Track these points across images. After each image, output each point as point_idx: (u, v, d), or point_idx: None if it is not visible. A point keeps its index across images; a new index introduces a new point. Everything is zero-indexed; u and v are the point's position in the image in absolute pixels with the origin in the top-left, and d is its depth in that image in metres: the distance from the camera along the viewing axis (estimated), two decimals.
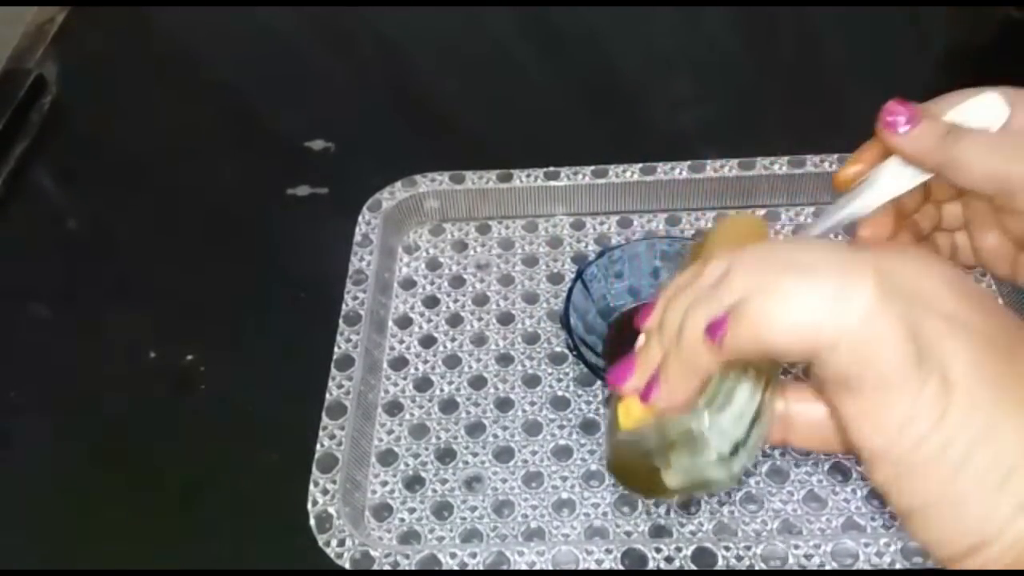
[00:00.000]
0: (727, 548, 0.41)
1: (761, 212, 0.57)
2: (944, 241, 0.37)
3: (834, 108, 0.63)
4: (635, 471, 0.31)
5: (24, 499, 0.47)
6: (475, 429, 0.48)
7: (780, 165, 0.56)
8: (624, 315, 0.51)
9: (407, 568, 0.41)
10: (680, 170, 0.57)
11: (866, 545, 0.41)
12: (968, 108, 0.32)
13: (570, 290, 0.50)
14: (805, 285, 0.24)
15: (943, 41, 0.72)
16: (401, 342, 0.52)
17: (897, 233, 0.35)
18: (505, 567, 0.41)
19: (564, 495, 0.45)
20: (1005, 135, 0.32)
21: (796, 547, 0.41)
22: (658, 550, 0.42)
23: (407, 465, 0.47)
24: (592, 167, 0.57)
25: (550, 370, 0.50)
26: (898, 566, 0.41)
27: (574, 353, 0.48)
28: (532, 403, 0.49)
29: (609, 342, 0.50)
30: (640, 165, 0.57)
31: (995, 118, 0.32)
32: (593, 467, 0.46)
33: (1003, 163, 0.31)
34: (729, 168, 0.57)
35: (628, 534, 0.44)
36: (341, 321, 0.51)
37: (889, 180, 0.34)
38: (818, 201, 0.57)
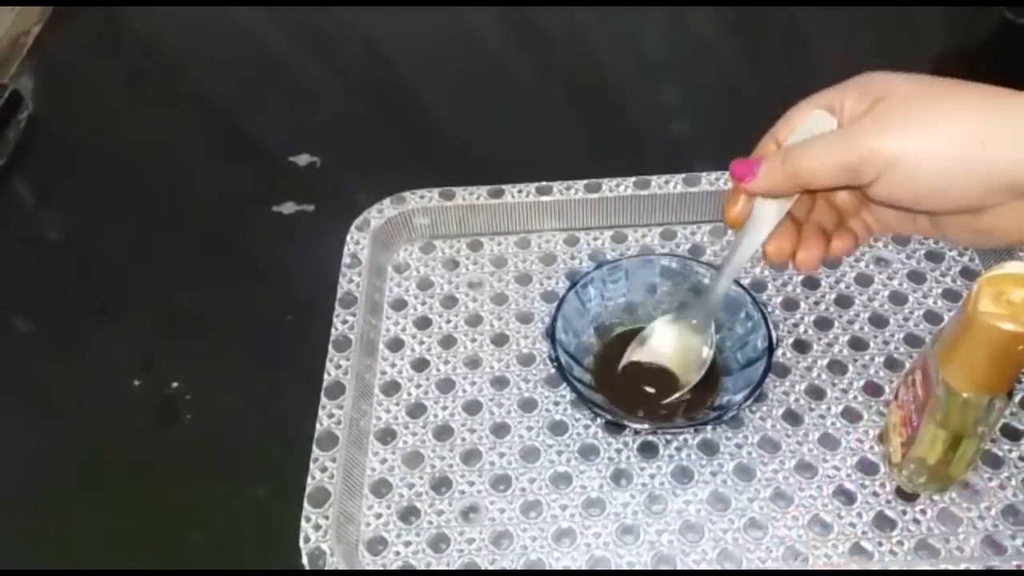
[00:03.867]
0: None
1: None
2: (857, 225, 0.40)
3: None
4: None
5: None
6: (471, 456, 0.47)
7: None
8: (617, 337, 0.50)
9: None
10: (675, 183, 0.56)
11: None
12: (803, 130, 0.37)
13: (561, 299, 0.49)
14: None
15: (937, 43, 0.71)
16: (393, 366, 0.51)
17: (802, 241, 0.39)
18: None
19: (564, 524, 0.44)
20: (829, 134, 0.36)
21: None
22: None
23: (401, 496, 0.45)
24: (585, 181, 0.56)
25: (546, 393, 0.49)
26: None
27: (554, 364, 0.47)
28: (529, 428, 0.48)
29: (600, 359, 0.49)
30: (634, 179, 0.56)
31: (828, 129, 0.36)
32: (593, 495, 0.45)
33: (841, 156, 0.34)
34: (725, 181, 0.55)
35: (631, 564, 0.42)
36: (331, 346, 0.49)
37: (767, 208, 0.38)
38: None
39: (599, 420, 0.47)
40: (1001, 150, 0.32)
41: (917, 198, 0.34)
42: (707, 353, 0.46)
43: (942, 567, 0.41)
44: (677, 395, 0.46)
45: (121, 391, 0.51)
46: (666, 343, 0.48)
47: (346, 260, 0.54)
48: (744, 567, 0.42)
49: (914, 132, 0.33)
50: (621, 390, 0.47)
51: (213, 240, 0.59)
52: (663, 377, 0.47)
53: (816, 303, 0.52)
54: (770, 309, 0.52)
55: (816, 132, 0.36)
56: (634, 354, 0.48)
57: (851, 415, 0.47)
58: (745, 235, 0.39)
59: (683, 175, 0.56)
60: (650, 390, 0.47)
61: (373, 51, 0.73)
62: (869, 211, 0.40)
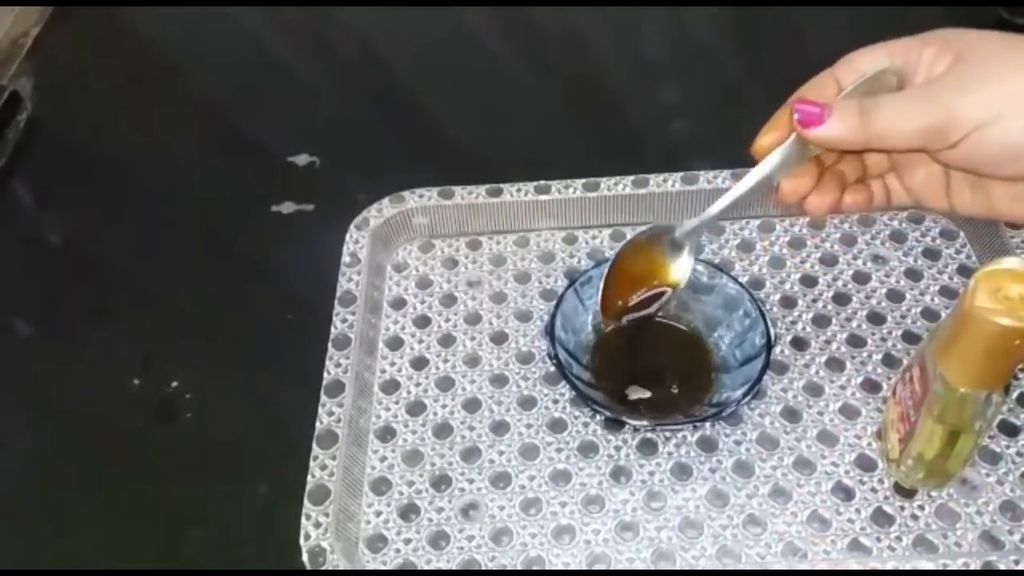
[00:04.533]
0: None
1: (756, 223, 0.56)
2: (877, 186, 0.38)
3: None
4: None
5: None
6: (470, 454, 0.47)
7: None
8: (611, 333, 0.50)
9: None
10: (673, 182, 0.56)
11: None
12: (871, 84, 0.35)
13: (560, 297, 0.49)
14: None
15: None
16: (392, 364, 0.51)
17: (819, 185, 0.37)
18: None
19: (564, 521, 0.44)
20: (912, 91, 0.34)
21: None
22: None
23: (401, 494, 0.46)
24: (583, 180, 0.56)
25: (545, 391, 0.49)
26: None
27: (554, 362, 0.47)
28: (528, 425, 0.48)
29: (598, 354, 0.50)
30: (632, 177, 0.56)
31: (892, 86, 0.34)
32: (592, 492, 0.45)
33: (926, 118, 0.32)
34: (723, 179, 0.56)
35: (630, 561, 0.43)
36: (330, 345, 0.50)
37: (800, 148, 0.35)
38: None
39: (598, 417, 0.47)
40: None
41: (1002, 161, 0.32)
42: (690, 264, 0.44)
43: (940, 563, 0.41)
44: (664, 298, 0.45)
45: (121, 391, 0.51)
46: (646, 256, 0.45)
47: (345, 259, 0.54)
48: (743, 563, 0.42)
49: (1001, 93, 0.31)
50: (614, 377, 0.48)
51: (213, 240, 0.59)
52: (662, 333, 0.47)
53: (814, 300, 0.52)
54: (768, 306, 0.52)
55: (883, 90, 0.34)
56: (626, 286, 0.45)
57: (849, 412, 0.47)
58: (765, 165, 0.37)
59: (681, 174, 0.56)
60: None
61: (372, 51, 0.73)
62: (898, 175, 0.38)
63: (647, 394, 0.46)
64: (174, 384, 0.51)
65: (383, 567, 0.43)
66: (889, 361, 0.49)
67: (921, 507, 0.43)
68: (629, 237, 0.45)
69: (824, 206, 0.37)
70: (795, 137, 0.36)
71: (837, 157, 0.38)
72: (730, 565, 0.42)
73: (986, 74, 0.32)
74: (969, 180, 0.36)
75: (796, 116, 0.34)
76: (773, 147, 0.36)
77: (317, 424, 0.46)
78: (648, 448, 0.46)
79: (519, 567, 0.43)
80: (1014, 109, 0.31)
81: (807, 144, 0.36)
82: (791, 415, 0.47)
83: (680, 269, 0.44)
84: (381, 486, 0.46)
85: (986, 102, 0.32)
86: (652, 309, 0.45)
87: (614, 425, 0.47)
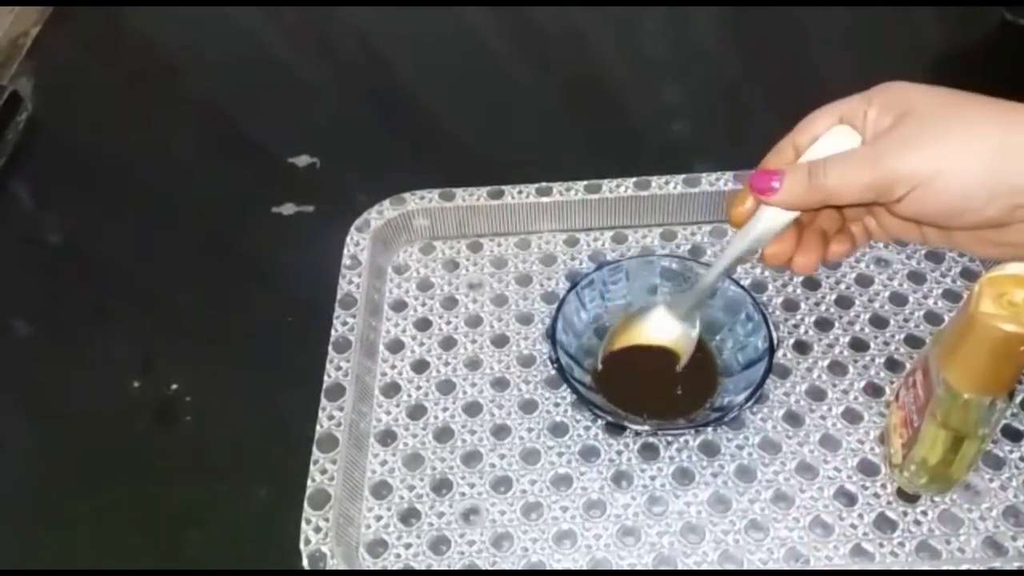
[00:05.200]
0: None
1: None
2: (857, 229, 0.40)
3: None
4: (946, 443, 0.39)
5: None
6: (471, 458, 0.47)
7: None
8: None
9: None
10: (675, 184, 0.56)
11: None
12: (824, 144, 0.36)
13: (562, 300, 0.49)
14: None
15: (937, 43, 0.71)
16: (393, 367, 0.51)
17: (801, 245, 0.39)
18: None
19: (565, 526, 0.44)
20: (857, 150, 0.36)
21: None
22: None
23: (402, 498, 0.45)
24: (585, 182, 0.56)
25: (547, 394, 0.49)
26: None
27: (555, 365, 0.47)
28: (529, 429, 0.48)
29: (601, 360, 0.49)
30: (634, 179, 0.56)
31: (850, 145, 0.36)
32: (594, 496, 0.45)
33: (870, 177, 0.34)
34: (724, 181, 0.55)
35: (632, 566, 0.42)
36: (331, 347, 0.49)
37: (775, 213, 0.37)
38: None
39: (600, 421, 0.47)
40: None
41: (946, 215, 0.34)
42: (694, 336, 0.47)
43: (943, 568, 0.41)
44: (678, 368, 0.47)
45: (121, 392, 0.51)
46: (654, 327, 0.48)
47: (346, 261, 0.54)
48: (745, 569, 0.42)
49: (942, 148, 0.33)
50: (620, 381, 0.48)
51: (213, 241, 0.59)
52: (655, 357, 0.48)
53: (816, 304, 0.52)
54: (770, 310, 0.51)
55: (839, 148, 0.36)
56: (620, 337, 0.48)
57: (852, 416, 0.47)
58: (746, 234, 0.39)
59: (683, 176, 0.56)
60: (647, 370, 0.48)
61: (373, 52, 0.73)
62: (873, 216, 0.40)
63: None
64: (174, 386, 0.51)
65: (383, 571, 0.43)
66: (892, 365, 0.49)
67: (924, 512, 0.43)
68: (627, 310, 0.49)
69: (811, 264, 0.39)
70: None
71: (814, 214, 0.39)
72: (732, 570, 0.42)
73: (926, 133, 0.33)
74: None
75: (753, 187, 0.37)
76: (748, 215, 0.39)
77: (317, 427, 0.46)
78: (650, 452, 0.46)
79: (520, 570, 0.42)
80: (952, 167, 0.33)
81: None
82: (793, 419, 0.47)
83: (684, 343, 0.47)
84: (381, 490, 0.46)
85: (926, 160, 0.33)
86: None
87: (615, 429, 0.47)
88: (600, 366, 0.48)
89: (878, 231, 0.40)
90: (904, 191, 0.34)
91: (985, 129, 0.33)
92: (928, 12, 0.72)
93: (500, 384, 0.50)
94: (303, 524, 0.42)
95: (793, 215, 0.38)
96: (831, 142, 0.36)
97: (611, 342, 0.48)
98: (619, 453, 0.46)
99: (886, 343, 0.50)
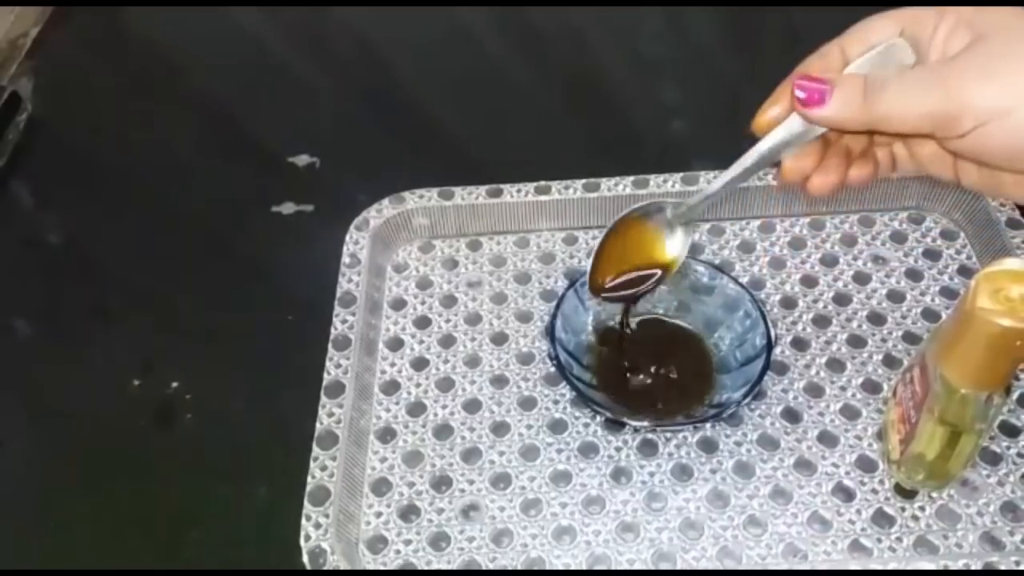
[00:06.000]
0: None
1: (756, 223, 0.56)
2: (883, 154, 0.36)
3: None
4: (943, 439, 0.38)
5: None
6: (471, 455, 0.47)
7: (774, 175, 0.55)
8: (610, 330, 0.50)
9: None
10: (673, 182, 0.56)
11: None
12: (880, 58, 0.32)
13: (561, 298, 0.49)
14: None
15: None
16: (392, 365, 0.51)
17: (823, 163, 0.34)
18: None
19: (564, 522, 0.44)
20: (923, 71, 0.31)
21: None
22: None
23: (401, 495, 0.46)
24: (583, 180, 0.56)
25: (546, 391, 0.49)
26: None
27: (554, 362, 0.47)
28: (528, 426, 0.48)
29: (600, 356, 0.49)
30: (632, 178, 0.56)
31: (906, 60, 0.32)
32: (593, 492, 0.45)
33: (936, 104, 0.30)
34: None
35: (631, 562, 0.43)
36: (330, 346, 0.50)
37: (805, 123, 0.33)
38: (814, 211, 0.56)
39: (599, 418, 0.47)
40: None
41: (1011, 157, 0.31)
42: (689, 242, 0.43)
43: (941, 564, 0.41)
44: (656, 279, 0.44)
45: (121, 391, 0.51)
46: (653, 238, 0.44)
47: (345, 260, 0.54)
48: (744, 564, 0.42)
49: (1021, 85, 0.29)
50: (614, 378, 0.48)
51: (213, 240, 0.59)
52: (659, 358, 0.48)
53: (814, 301, 0.52)
54: (769, 307, 0.52)
55: (895, 65, 0.32)
56: (617, 254, 0.44)
57: (850, 412, 0.47)
58: (767, 141, 0.35)
59: (681, 174, 0.56)
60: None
61: (372, 51, 0.73)
62: (905, 144, 0.36)
63: (648, 380, 0.46)
64: (174, 385, 0.51)
65: (383, 568, 0.43)
66: (890, 362, 0.49)
67: (922, 508, 0.43)
68: (622, 213, 0.44)
69: (827, 186, 0.35)
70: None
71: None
72: (731, 566, 0.42)
73: (1005, 62, 0.29)
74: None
75: (797, 94, 0.32)
76: (776, 123, 0.34)
77: (317, 425, 0.46)
78: (649, 449, 0.46)
79: (520, 568, 0.43)
80: None
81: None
82: (792, 416, 0.47)
83: (675, 249, 0.43)
84: (381, 487, 0.46)
85: (1002, 93, 0.29)
86: (640, 289, 0.44)
87: (614, 426, 0.47)
88: (602, 291, 0.45)
89: (906, 160, 0.36)
90: (972, 126, 0.30)
91: None
92: None
93: (499, 381, 0.50)
94: (303, 521, 0.43)
95: (823, 128, 0.33)
96: (888, 58, 0.32)
97: (604, 257, 0.44)
98: (618, 449, 0.46)
99: (884, 340, 0.50)
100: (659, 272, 0.44)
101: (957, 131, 0.30)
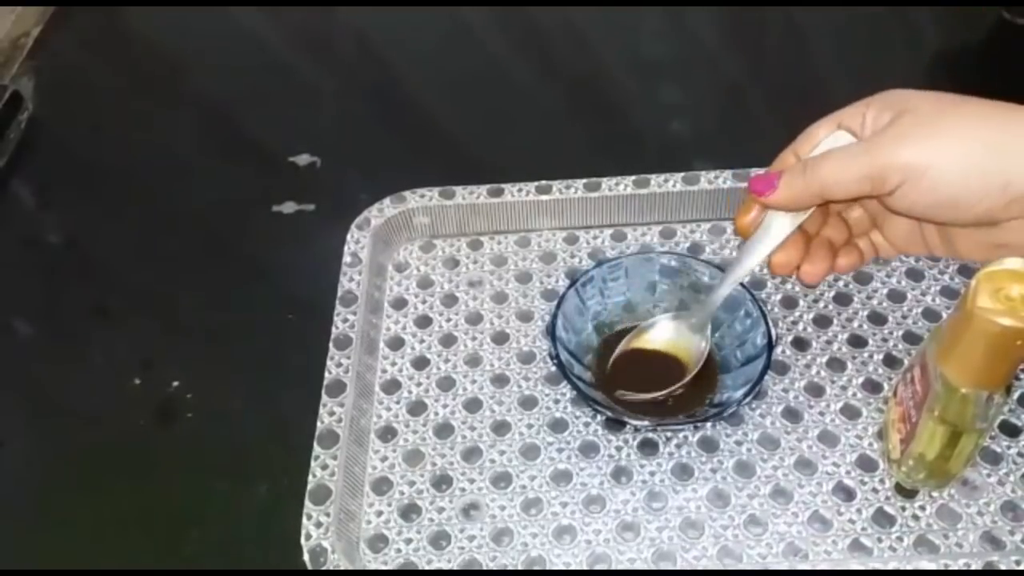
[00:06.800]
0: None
1: None
2: (865, 245, 0.41)
3: (826, 113, 0.62)
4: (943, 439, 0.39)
5: None
6: (471, 454, 0.47)
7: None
8: (617, 335, 0.50)
9: None
10: (674, 182, 0.56)
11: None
12: (823, 150, 0.37)
13: (562, 297, 0.49)
14: None
15: (936, 43, 0.71)
16: (393, 364, 0.51)
17: (809, 254, 0.39)
18: None
19: (564, 521, 0.44)
20: (853, 145, 0.36)
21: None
22: None
23: (402, 493, 0.46)
24: (584, 180, 0.56)
25: (547, 391, 0.49)
26: None
27: (555, 361, 0.47)
28: (529, 425, 0.48)
29: (601, 357, 0.49)
30: (633, 178, 0.56)
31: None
32: (593, 492, 0.45)
33: (864, 167, 0.35)
34: (723, 179, 0.56)
35: (631, 561, 0.43)
36: (331, 344, 0.50)
37: (780, 220, 0.39)
38: None
39: (599, 417, 0.47)
40: (1020, 161, 0.33)
41: (937, 208, 0.35)
42: (704, 347, 0.47)
43: (942, 563, 0.41)
44: (678, 385, 0.46)
45: (121, 390, 0.51)
46: (664, 335, 0.48)
47: (346, 259, 0.54)
48: (744, 564, 0.42)
49: (935, 143, 0.34)
50: (621, 379, 0.48)
51: (213, 240, 0.59)
52: (663, 363, 0.48)
53: (815, 301, 0.52)
54: (769, 307, 0.52)
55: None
56: (632, 343, 0.48)
57: (850, 412, 0.47)
58: (754, 243, 0.40)
59: (682, 174, 0.56)
60: (649, 375, 0.47)
61: (373, 51, 0.73)
62: (880, 231, 0.41)
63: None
64: (175, 384, 0.51)
65: (384, 567, 0.43)
66: (890, 361, 0.49)
67: (922, 507, 0.43)
68: (642, 325, 0.49)
69: (818, 274, 0.39)
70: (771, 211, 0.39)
71: (821, 223, 0.40)
72: (731, 565, 0.42)
73: (920, 128, 0.34)
74: (938, 229, 0.38)
75: (753, 187, 0.38)
76: (753, 225, 0.40)
77: (318, 424, 0.46)
78: (649, 448, 0.46)
79: (520, 567, 0.43)
80: (944, 159, 0.34)
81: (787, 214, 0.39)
82: (792, 415, 0.47)
83: (695, 353, 0.47)
84: (382, 486, 0.46)
85: (919, 152, 0.34)
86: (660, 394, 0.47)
87: (615, 425, 0.47)
88: (609, 368, 0.48)
89: (884, 245, 0.41)
90: (897, 182, 0.34)
91: (979, 124, 0.34)
92: (927, 12, 0.72)
93: (500, 381, 0.50)
94: (304, 519, 0.43)
95: (799, 218, 0.38)
96: (829, 147, 0.37)
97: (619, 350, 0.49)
98: (618, 449, 0.46)
99: (884, 339, 0.50)
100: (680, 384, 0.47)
101: (886, 188, 0.35)
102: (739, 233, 0.40)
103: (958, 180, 0.34)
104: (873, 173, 0.35)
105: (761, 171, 0.39)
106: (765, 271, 0.54)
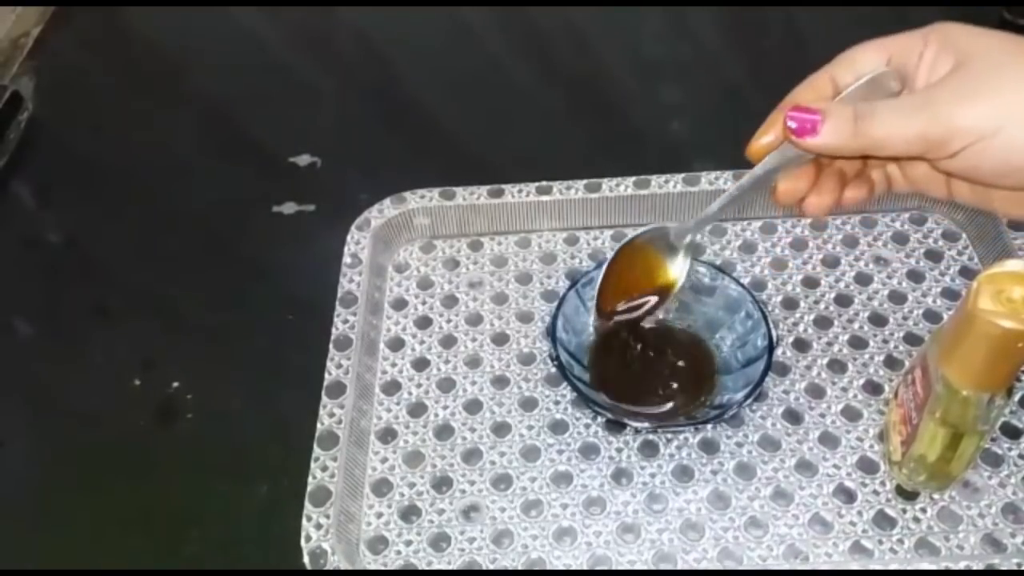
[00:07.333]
0: None
1: (758, 224, 0.56)
2: (878, 174, 0.37)
3: None
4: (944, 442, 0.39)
5: None
6: (471, 456, 0.47)
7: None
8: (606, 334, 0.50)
9: None
10: (674, 183, 0.56)
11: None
12: (869, 87, 0.33)
13: (562, 298, 0.49)
14: None
15: None
16: (393, 365, 0.51)
17: (817, 185, 0.36)
18: None
19: (565, 523, 0.44)
20: (910, 97, 0.33)
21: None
22: None
23: (402, 495, 0.45)
24: (585, 181, 0.56)
25: (547, 392, 0.49)
26: None
27: (555, 363, 0.47)
28: (529, 427, 0.48)
29: (596, 356, 0.49)
30: (633, 178, 0.56)
31: (894, 88, 0.33)
32: (594, 494, 0.45)
33: (924, 127, 0.31)
34: (724, 180, 0.56)
35: (632, 563, 0.42)
36: (331, 345, 0.49)
37: (795, 150, 0.34)
38: None
39: (599, 419, 0.47)
40: None
41: (1001, 174, 0.31)
42: (687, 265, 0.44)
43: (943, 565, 0.41)
44: (649, 305, 0.45)
45: (122, 391, 0.51)
46: (644, 267, 0.45)
47: (347, 260, 0.54)
48: (745, 566, 0.42)
49: (1006, 105, 0.30)
50: (615, 379, 0.48)
51: (214, 240, 0.59)
52: (659, 358, 0.48)
53: (816, 302, 0.52)
54: (770, 308, 0.52)
55: (883, 92, 0.33)
56: (620, 280, 0.46)
57: (851, 414, 0.47)
58: (762, 167, 0.36)
59: (682, 175, 0.56)
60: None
61: (373, 51, 0.73)
62: (899, 164, 0.37)
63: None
64: (175, 384, 0.51)
65: (384, 569, 0.43)
66: (891, 363, 0.49)
67: (923, 509, 0.43)
68: (627, 238, 0.45)
69: (823, 207, 0.36)
70: None
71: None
72: (732, 567, 0.42)
73: (988, 83, 0.30)
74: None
75: (789, 124, 0.33)
76: (769, 150, 0.36)
77: (318, 425, 0.46)
78: (649, 450, 0.46)
79: (520, 569, 0.43)
80: (1016, 121, 0.30)
81: None
82: (793, 417, 0.47)
83: (675, 272, 0.45)
84: (382, 487, 0.46)
85: (987, 113, 0.30)
86: (639, 313, 0.46)
87: (615, 427, 0.47)
88: (611, 316, 0.46)
89: (900, 180, 0.37)
90: (961, 146, 0.31)
91: None
92: (927, 12, 0.72)
93: (500, 382, 0.50)
94: (304, 521, 0.43)
95: (811, 155, 0.35)
96: (876, 86, 0.33)
97: (608, 284, 0.45)
98: (619, 450, 0.46)
99: (885, 341, 0.50)
100: (657, 298, 0.45)
101: (946, 152, 0.31)
102: (750, 155, 0.36)
103: None
104: (935, 135, 0.31)
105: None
106: (765, 271, 0.54)
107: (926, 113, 0.31)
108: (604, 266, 0.45)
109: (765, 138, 0.35)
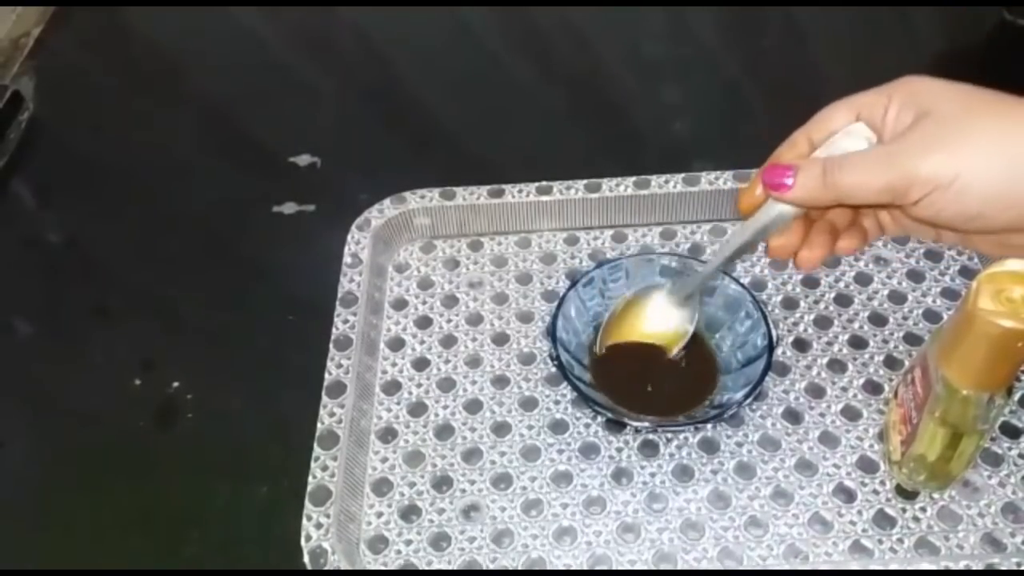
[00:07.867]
0: None
1: None
2: (869, 223, 0.39)
3: None
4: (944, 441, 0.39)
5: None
6: (471, 455, 0.47)
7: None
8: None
9: None
10: (674, 183, 0.56)
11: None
12: (840, 141, 0.36)
13: (562, 298, 0.49)
14: None
15: (937, 43, 0.71)
16: (394, 365, 0.51)
17: (808, 239, 0.38)
18: None
19: (565, 523, 0.44)
20: (874, 150, 0.35)
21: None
22: None
23: (402, 495, 0.45)
24: (585, 181, 0.56)
25: (547, 392, 0.49)
26: None
27: (555, 363, 0.47)
28: (530, 427, 0.48)
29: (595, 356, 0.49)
30: (634, 178, 0.56)
31: (866, 144, 0.35)
32: (594, 493, 0.45)
33: (886, 177, 0.33)
34: (724, 180, 0.56)
35: (632, 562, 0.43)
36: (332, 346, 0.49)
37: (783, 205, 0.36)
38: None
39: (599, 419, 0.47)
40: None
41: (963, 220, 0.33)
42: (691, 325, 0.47)
43: (942, 565, 0.41)
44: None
45: (122, 391, 0.51)
46: (653, 315, 0.48)
47: (347, 260, 0.54)
48: (745, 565, 0.42)
49: (962, 155, 0.32)
50: (615, 379, 0.48)
51: (214, 240, 0.59)
52: (648, 352, 0.48)
53: (816, 302, 0.52)
54: (770, 308, 0.52)
55: (855, 147, 0.35)
56: (621, 328, 0.48)
57: (851, 413, 0.47)
58: (752, 225, 0.38)
59: (683, 175, 0.56)
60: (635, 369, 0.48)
61: (373, 51, 0.73)
62: (888, 211, 0.38)
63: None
64: (175, 384, 0.51)
65: (384, 568, 0.43)
66: (891, 363, 0.49)
67: (923, 509, 0.43)
68: (631, 291, 0.49)
69: (816, 260, 0.38)
70: None
71: (826, 207, 0.38)
72: (732, 567, 0.42)
73: (947, 135, 0.33)
74: None
75: (765, 180, 0.36)
76: (756, 206, 0.38)
77: (318, 425, 0.46)
78: (649, 449, 0.46)
79: (520, 568, 0.43)
80: (972, 172, 0.32)
81: None
82: (793, 417, 0.47)
83: (672, 323, 0.48)
84: (382, 487, 0.46)
85: (944, 162, 0.32)
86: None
87: (615, 426, 0.47)
88: (601, 351, 0.48)
89: (892, 226, 0.39)
90: (921, 194, 0.33)
91: (1007, 134, 0.32)
92: (928, 12, 0.72)
93: (500, 382, 0.50)
94: (304, 521, 0.43)
95: (800, 209, 0.36)
96: (847, 140, 0.35)
97: (610, 330, 0.49)
98: (619, 450, 0.46)
99: (885, 341, 0.50)
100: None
101: (909, 199, 0.33)
102: (741, 212, 0.38)
103: (984, 192, 0.32)
104: (897, 184, 0.33)
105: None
106: (765, 270, 0.54)
107: (888, 165, 0.33)
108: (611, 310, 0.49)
109: (750, 195, 0.38)
